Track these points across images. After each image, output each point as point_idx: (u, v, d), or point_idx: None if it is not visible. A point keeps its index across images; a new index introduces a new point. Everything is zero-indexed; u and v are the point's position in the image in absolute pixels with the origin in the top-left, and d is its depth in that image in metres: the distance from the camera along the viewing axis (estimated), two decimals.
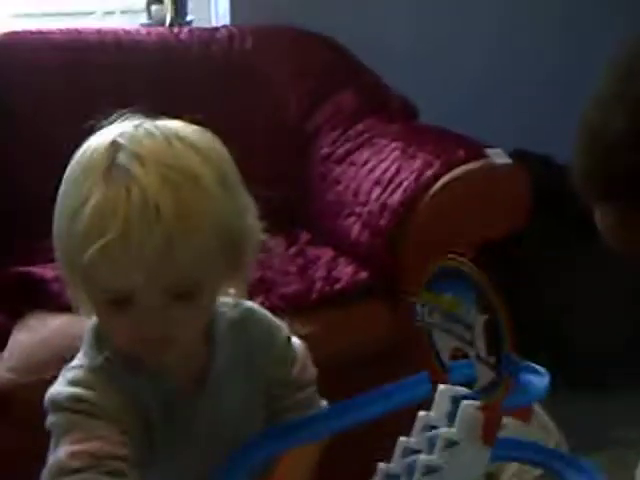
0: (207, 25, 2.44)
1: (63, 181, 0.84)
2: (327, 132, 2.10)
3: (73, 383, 0.86)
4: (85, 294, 0.85)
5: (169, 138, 0.82)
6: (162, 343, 0.83)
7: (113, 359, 0.87)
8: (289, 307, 1.59)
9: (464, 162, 1.71)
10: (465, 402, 0.65)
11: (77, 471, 0.78)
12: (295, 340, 0.99)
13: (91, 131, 0.86)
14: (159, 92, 2.05)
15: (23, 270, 1.66)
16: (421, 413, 0.67)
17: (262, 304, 1.03)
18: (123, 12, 2.37)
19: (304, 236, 1.98)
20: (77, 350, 0.91)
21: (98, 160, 0.81)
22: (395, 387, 0.73)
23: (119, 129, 0.83)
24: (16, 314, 1.61)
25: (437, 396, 0.68)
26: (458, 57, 2.52)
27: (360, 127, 2.04)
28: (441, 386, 0.68)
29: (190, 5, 2.42)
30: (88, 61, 2.06)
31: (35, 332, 1.56)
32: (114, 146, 0.81)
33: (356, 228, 1.80)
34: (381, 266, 1.72)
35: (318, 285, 1.69)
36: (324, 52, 2.23)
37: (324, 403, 0.98)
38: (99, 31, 2.10)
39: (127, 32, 2.13)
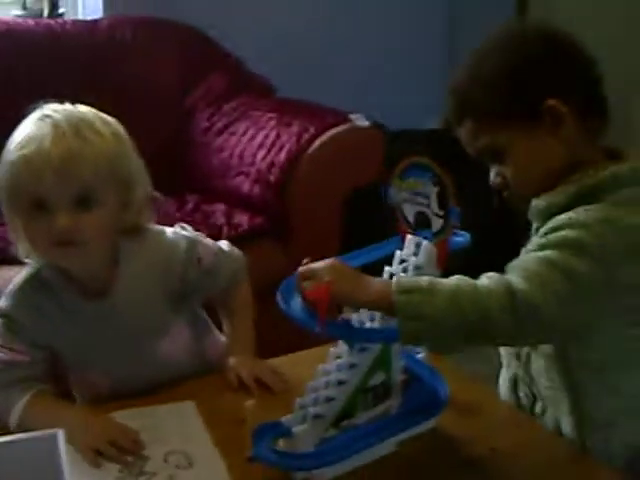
0: (74, 17, 2.69)
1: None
2: (202, 109, 2.45)
3: (6, 296, 1.20)
4: (16, 217, 1.13)
5: (78, 107, 1.16)
6: (73, 246, 1.11)
7: (38, 273, 1.18)
8: None
9: (333, 126, 2.15)
10: (425, 242, 1.05)
11: None
12: (192, 241, 1.25)
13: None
14: (48, 77, 2.30)
15: None
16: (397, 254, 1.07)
17: None
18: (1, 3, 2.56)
19: (194, 198, 2.31)
20: None
21: (24, 123, 1.13)
22: (377, 246, 1.13)
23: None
24: None
25: (406, 242, 1.08)
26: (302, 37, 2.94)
27: (233, 104, 2.41)
28: (408, 236, 1.08)
29: None
30: None
31: None
32: (38, 113, 1.14)
33: (247, 184, 2.18)
34: (273, 213, 2.11)
35: (225, 230, 2.04)
36: (192, 41, 2.56)
37: (224, 246, 1.31)
38: None
39: (18, 23, 2.35)
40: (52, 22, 2.43)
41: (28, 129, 1.12)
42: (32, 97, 2.25)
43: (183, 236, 1.26)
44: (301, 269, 1.00)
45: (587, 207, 1.03)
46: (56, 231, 1.09)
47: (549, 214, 1.07)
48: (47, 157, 1.08)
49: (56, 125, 1.10)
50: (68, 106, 1.16)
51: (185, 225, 1.30)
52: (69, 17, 2.64)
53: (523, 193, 1.13)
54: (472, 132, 1.14)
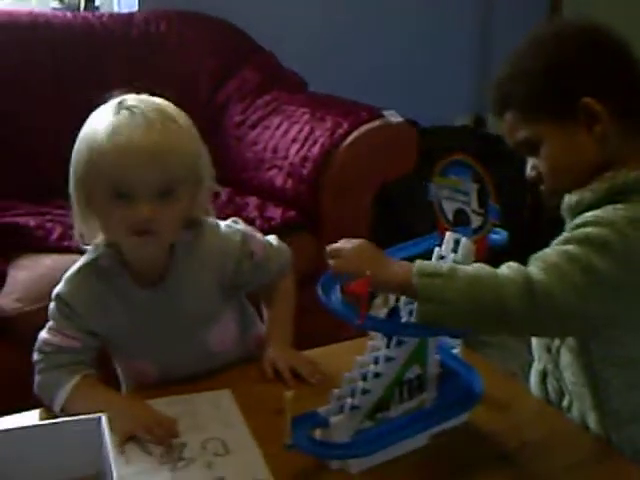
0: (110, 10, 2.72)
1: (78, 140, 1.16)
2: (236, 103, 2.47)
3: (65, 281, 1.22)
4: (93, 203, 1.15)
5: (153, 98, 1.18)
6: (150, 236, 1.14)
7: (95, 260, 1.21)
8: None
9: (367, 121, 2.16)
10: (463, 239, 1.07)
11: (45, 353, 1.21)
12: (247, 235, 1.29)
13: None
14: (88, 69, 2.34)
15: (9, 221, 1.92)
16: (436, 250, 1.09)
17: None
18: None
19: (227, 190, 2.33)
20: None
21: (106, 111, 1.15)
22: (416, 241, 1.15)
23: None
24: (7, 259, 1.87)
25: (445, 239, 1.10)
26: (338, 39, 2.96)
27: (267, 98, 2.43)
28: (447, 233, 1.10)
29: None
30: (22, 40, 2.29)
31: (31, 270, 1.83)
32: (118, 103, 1.15)
33: (280, 178, 2.20)
34: (305, 207, 2.13)
35: (257, 223, 2.06)
36: (226, 34, 2.59)
37: (273, 241, 1.34)
38: (31, 13, 2.35)
39: (56, 15, 2.39)
40: (89, 15, 2.45)
41: (114, 118, 1.12)
42: (70, 88, 2.31)
43: (237, 230, 1.29)
44: (329, 247, 1.04)
45: (616, 206, 1.04)
46: (138, 220, 1.12)
47: (579, 210, 1.09)
48: (138, 148, 1.10)
49: (146, 117, 1.12)
50: (147, 97, 1.17)
51: (237, 219, 1.34)
52: (105, 10, 2.67)
53: (555, 187, 1.15)
54: (512, 124, 1.16)
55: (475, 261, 1.05)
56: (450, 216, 1.09)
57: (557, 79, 1.11)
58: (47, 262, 1.84)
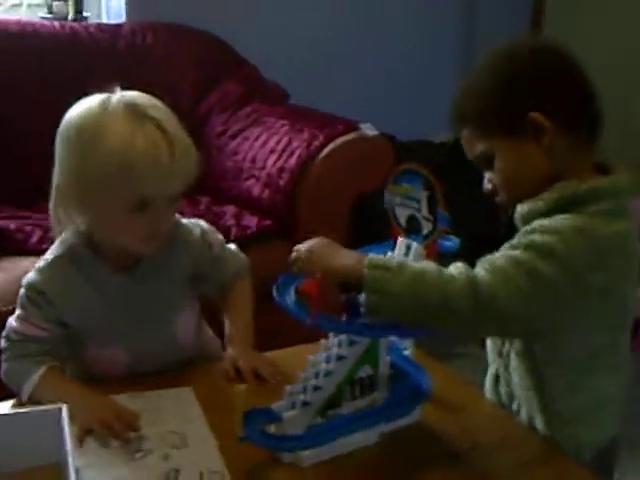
0: (98, 21, 2.77)
1: (78, 135, 1.18)
2: (218, 114, 2.53)
3: (35, 270, 1.25)
4: (103, 212, 1.19)
5: (148, 96, 1.23)
6: (158, 237, 1.21)
7: (68, 250, 1.24)
8: None
9: (342, 134, 2.22)
10: (414, 244, 1.12)
11: (12, 341, 1.25)
12: (205, 229, 1.36)
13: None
14: (74, 78, 2.38)
15: None
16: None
17: None
18: (29, 6, 2.64)
19: (205, 199, 2.38)
20: None
21: (120, 112, 1.17)
22: (370, 247, 1.19)
23: (112, 94, 1.21)
24: None
25: (398, 244, 1.15)
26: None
27: (248, 109, 2.49)
28: (400, 238, 1.15)
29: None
30: (10, 48, 2.35)
31: (8, 272, 1.87)
32: (127, 104, 1.18)
33: (257, 188, 2.25)
34: (281, 216, 2.18)
35: (234, 231, 2.11)
36: (210, 47, 2.64)
37: (232, 247, 1.40)
38: (19, 22, 2.40)
39: (44, 25, 2.44)
40: (76, 25, 2.51)
41: (126, 128, 1.14)
42: (57, 96, 2.35)
43: (197, 224, 1.37)
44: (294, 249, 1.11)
45: (565, 216, 1.09)
46: (155, 229, 1.20)
47: (530, 219, 1.13)
48: (159, 161, 1.14)
49: (168, 132, 1.16)
50: (146, 98, 1.21)
51: (199, 220, 1.40)
52: (93, 21, 2.72)
53: (509, 198, 1.20)
54: (468, 140, 1.22)
55: None
56: (403, 222, 1.14)
57: (505, 96, 1.16)
58: (25, 264, 1.87)
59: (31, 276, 1.25)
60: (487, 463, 1.14)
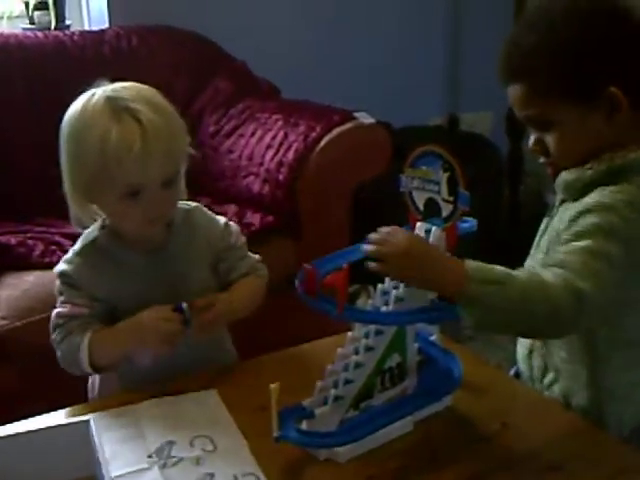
0: (80, 28, 2.74)
1: (69, 135, 1.21)
2: (210, 113, 2.50)
3: (64, 261, 1.29)
4: (103, 204, 1.24)
5: (136, 87, 1.23)
6: (161, 221, 1.26)
7: (93, 241, 1.28)
8: None
9: (339, 124, 2.19)
10: (434, 228, 1.10)
11: (59, 325, 1.27)
12: (230, 223, 1.38)
13: None
14: (61, 87, 2.34)
15: None
16: None
17: None
18: (9, 18, 2.61)
19: (205, 200, 2.34)
20: (53, 295, 1.30)
21: (105, 114, 1.17)
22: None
23: (99, 90, 1.21)
24: None
25: (416, 229, 1.12)
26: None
27: (240, 106, 2.46)
28: (418, 223, 1.12)
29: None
30: None
31: (14, 288, 1.85)
32: (109, 99, 1.19)
33: (257, 184, 2.22)
34: (283, 211, 2.16)
35: None
36: (197, 46, 2.61)
37: (257, 256, 1.41)
38: (1, 34, 2.37)
39: (27, 36, 2.41)
40: (60, 34, 2.47)
41: (120, 126, 1.16)
42: (44, 106, 2.32)
43: (220, 217, 1.39)
44: (372, 239, 1.05)
45: (612, 188, 1.08)
46: (151, 214, 1.22)
47: (575, 188, 1.12)
48: (152, 153, 1.16)
49: (150, 120, 1.16)
50: (133, 88, 1.21)
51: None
52: (75, 28, 2.69)
53: (562, 164, 1.17)
54: (524, 98, 1.15)
55: (446, 246, 1.09)
56: (421, 206, 1.12)
57: (586, 63, 1.10)
58: (30, 279, 1.86)
59: (60, 266, 1.29)
60: (518, 443, 1.13)
